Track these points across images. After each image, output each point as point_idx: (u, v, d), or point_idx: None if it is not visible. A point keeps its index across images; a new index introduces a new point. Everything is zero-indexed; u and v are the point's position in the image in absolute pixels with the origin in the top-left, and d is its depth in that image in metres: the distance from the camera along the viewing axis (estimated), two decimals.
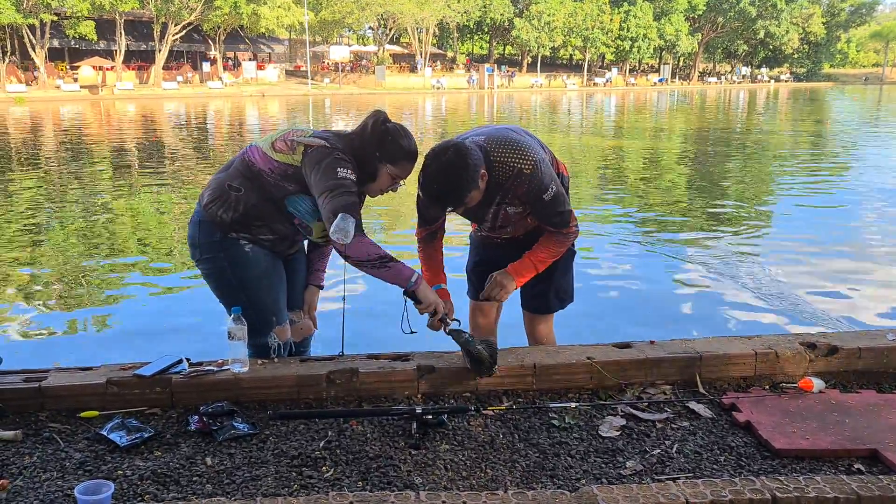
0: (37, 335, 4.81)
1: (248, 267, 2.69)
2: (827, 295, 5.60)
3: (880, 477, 2.01)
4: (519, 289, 2.89)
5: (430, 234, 2.91)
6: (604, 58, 74.10)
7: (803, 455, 2.20)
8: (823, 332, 3.14)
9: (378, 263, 2.50)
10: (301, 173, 2.57)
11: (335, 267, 3.02)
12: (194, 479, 2.05)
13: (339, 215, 2.45)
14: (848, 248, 7.17)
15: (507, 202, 2.72)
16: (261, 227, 2.67)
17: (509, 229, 2.88)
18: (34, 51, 41.25)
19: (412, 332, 2.62)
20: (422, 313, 2.59)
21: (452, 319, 2.62)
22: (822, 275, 6.19)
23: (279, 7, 47.42)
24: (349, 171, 2.53)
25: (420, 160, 2.63)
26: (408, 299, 2.57)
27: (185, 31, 46.28)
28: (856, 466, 2.15)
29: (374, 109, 2.72)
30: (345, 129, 2.75)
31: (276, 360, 2.73)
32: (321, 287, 3.09)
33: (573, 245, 2.96)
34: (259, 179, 2.62)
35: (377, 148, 2.60)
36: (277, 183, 2.60)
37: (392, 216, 8.81)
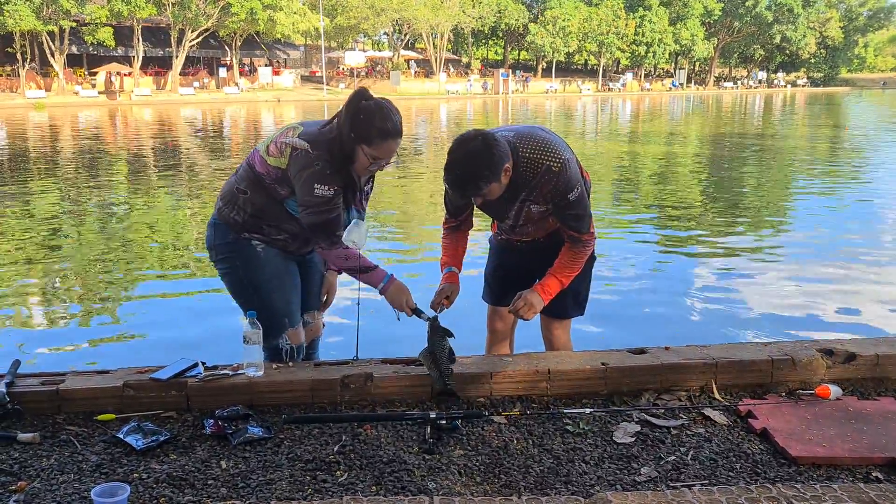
0: (54, 339, 4.86)
1: (261, 267, 2.73)
2: (845, 301, 5.55)
3: None
4: None
5: (455, 226, 2.95)
6: (619, 63, 73.91)
7: (820, 463, 2.18)
8: (841, 339, 3.10)
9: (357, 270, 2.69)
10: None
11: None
12: (209, 482, 2.06)
13: (354, 221, 2.50)
14: (866, 254, 7.09)
15: (532, 200, 2.71)
16: (271, 227, 2.72)
17: (530, 229, 2.88)
18: (53, 57, 41.77)
19: (398, 319, 2.75)
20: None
21: (423, 316, 2.68)
22: (840, 280, 6.13)
23: (295, 13, 47.70)
24: (326, 188, 2.53)
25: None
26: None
27: (201, 38, 46.67)
28: (874, 475, 2.13)
29: (358, 87, 2.70)
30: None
31: (290, 364, 2.74)
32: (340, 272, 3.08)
33: (594, 251, 2.95)
34: (261, 182, 2.66)
35: (351, 129, 2.54)
36: (273, 186, 2.64)
37: (399, 217, 8.83)
